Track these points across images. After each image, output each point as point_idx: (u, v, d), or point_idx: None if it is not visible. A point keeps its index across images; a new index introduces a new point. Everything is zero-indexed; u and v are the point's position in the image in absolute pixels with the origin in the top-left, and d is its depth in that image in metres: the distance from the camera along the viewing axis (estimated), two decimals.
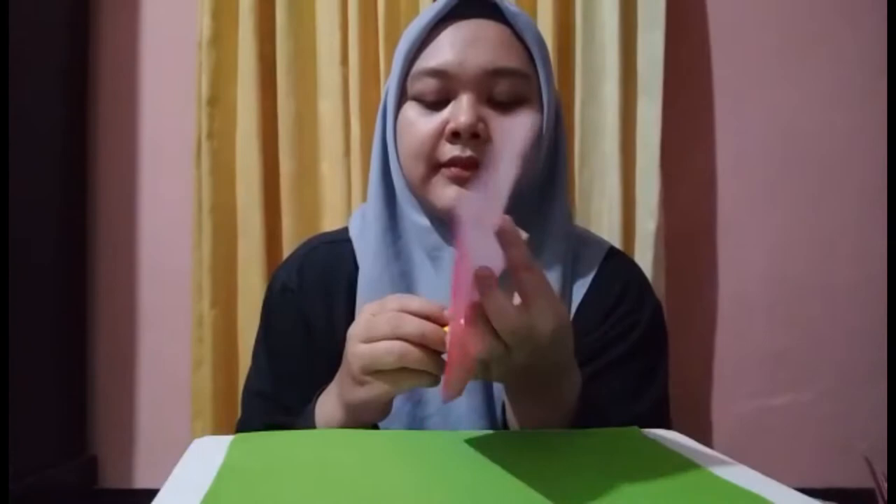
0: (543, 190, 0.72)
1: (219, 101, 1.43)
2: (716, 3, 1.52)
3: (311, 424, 0.62)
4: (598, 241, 0.79)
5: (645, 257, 1.39)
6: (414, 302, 0.53)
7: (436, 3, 0.69)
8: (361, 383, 0.54)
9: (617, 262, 0.76)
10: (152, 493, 0.42)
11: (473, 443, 0.53)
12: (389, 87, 0.72)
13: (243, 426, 0.73)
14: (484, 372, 0.53)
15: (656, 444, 0.54)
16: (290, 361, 0.75)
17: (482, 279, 0.44)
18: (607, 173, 1.41)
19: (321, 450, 0.51)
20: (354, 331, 0.55)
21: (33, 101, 1.38)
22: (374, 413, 0.57)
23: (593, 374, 0.66)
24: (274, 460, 0.48)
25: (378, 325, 0.53)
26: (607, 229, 1.39)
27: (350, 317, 0.71)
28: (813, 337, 1.51)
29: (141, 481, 1.51)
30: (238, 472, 0.45)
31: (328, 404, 0.61)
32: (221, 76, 1.43)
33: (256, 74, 1.41)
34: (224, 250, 1.43)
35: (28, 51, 1.35)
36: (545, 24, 1.38)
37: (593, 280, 0.72)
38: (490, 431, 0.58)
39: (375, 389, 0.54)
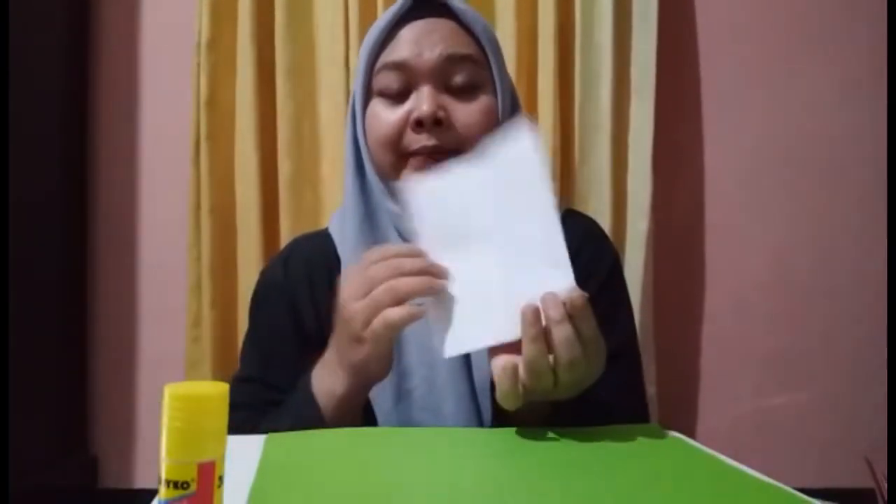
0: None
1: (217, 102, 1.43)
2: (708, 5, 1.52)
3: (307, 396, 0.63)
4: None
5: (636, 257, 1.40)
6: (392, 248, 0.59)
7: (393, 6, 0.75)
8: (363, 341, 0.58)
9: (574, 220, 0.81)
10: (152, 493, 0.42)
11: (502, 441, 0.55)
12: (356, 86, 0.78)
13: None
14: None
15: (677, 441, 0.55)
16: (279, 347, 0.77)
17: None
18: (604, 174, 1.41)
19: (353, 448, 0.53)
20: (347, 293, 0.59)
21: (33, 101, 1.38)
22: (380, 369, 0.61)
23: None
24: (309, 458, 0.50)
25: (376, 274, 0.57)
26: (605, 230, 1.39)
27: (333, 305, 0.73)
28: (813, 337, 1.51)
29: (141, 481, 1.51)
30: (277, 469, 0.47)
31: (327, 375, 0.63)
32: (220, 77, 1.43)
33: (254, 76, 1.42)
34: (223, 251, 1.43)
35: (28, 52, 1.35)
36: (546, 27, 1.39)
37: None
38: (517, 429, 0.61)
39: (380, 341, 0.57)
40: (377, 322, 0.56)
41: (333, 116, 1.43)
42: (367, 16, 1.41)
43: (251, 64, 1.41)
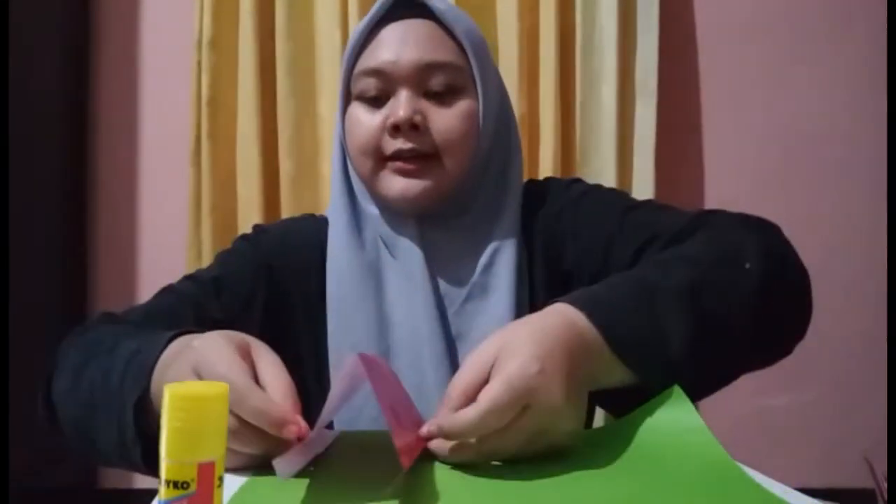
0: (502, 164, 0.77)
1: (218, 101, 1.43)
2: (710, 6, 1.52)
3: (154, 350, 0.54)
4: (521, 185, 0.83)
5: None
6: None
7: (373, 7, 0.74)
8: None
9: (532, 188, 0.80)
10: (152, 493, 0.42)
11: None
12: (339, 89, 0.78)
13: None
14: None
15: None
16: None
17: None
18: (606, 174, 1.41)
19: (351, 449, 0.53)
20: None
21: (33, 101, 1.38)
22: None
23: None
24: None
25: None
26: None
27: (321, 290, 0.73)
28: (813, 337, 1.50)
29: (141, 481, 1.51)
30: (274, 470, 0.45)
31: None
32: (221, 77, 1.43)
33: (256, 75, 1.42)
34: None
35: (28, 52, 1.35)
36: (547, 29, 1.40)
37: (524, 216, 0.77)
38: None
39: None
40: None
41: (334, 115, 1.43)
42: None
43: (252, 62, 1.41)
